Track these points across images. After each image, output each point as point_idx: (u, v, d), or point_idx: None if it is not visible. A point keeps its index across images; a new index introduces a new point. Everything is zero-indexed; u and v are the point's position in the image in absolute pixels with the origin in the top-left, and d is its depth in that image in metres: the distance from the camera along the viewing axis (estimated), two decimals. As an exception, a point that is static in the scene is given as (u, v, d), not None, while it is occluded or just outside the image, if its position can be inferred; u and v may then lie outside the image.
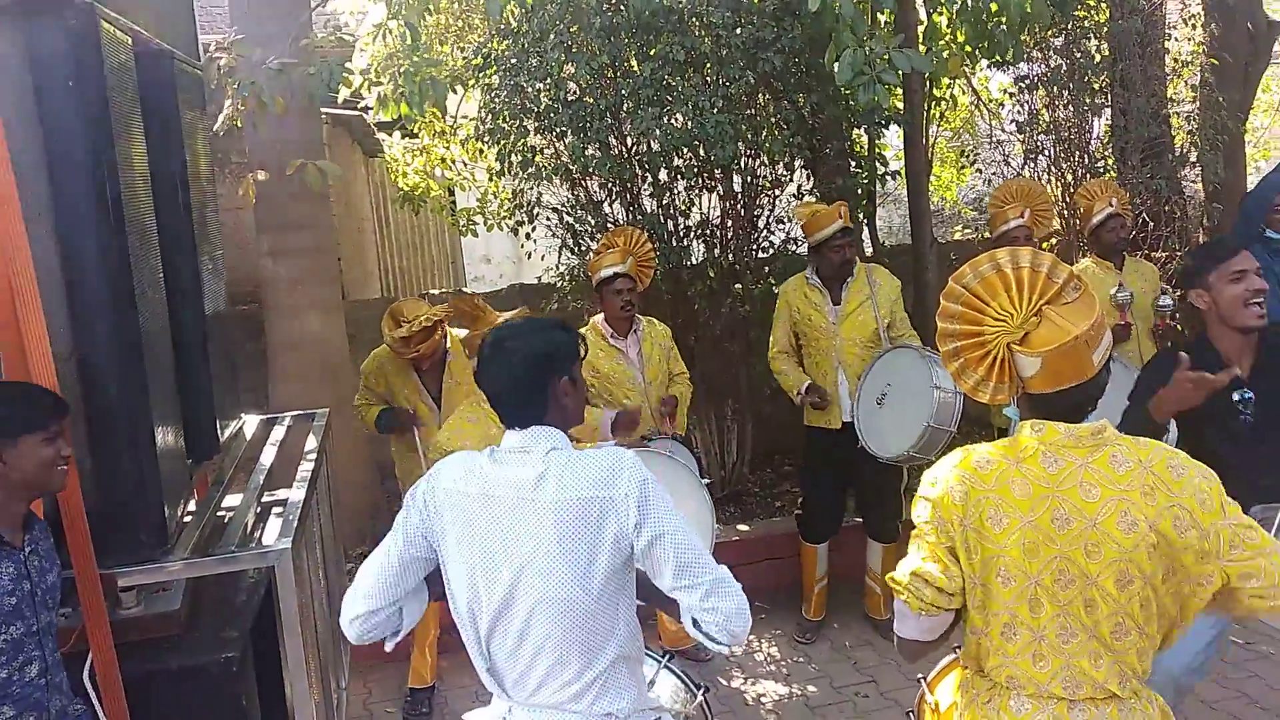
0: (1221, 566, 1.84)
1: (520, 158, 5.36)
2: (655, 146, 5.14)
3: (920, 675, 2.40)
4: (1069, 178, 6.05)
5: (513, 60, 5.27)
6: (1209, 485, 1.88)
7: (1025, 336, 1.86)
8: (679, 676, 2.59)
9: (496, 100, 5.42)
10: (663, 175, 5.41)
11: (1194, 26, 6.51)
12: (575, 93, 5.21)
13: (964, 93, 6.84)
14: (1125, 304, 4.78)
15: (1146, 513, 1.84)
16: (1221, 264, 2.90)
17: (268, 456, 3.37)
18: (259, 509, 3.00)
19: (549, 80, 5.17)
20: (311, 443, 3.56)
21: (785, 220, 5.80)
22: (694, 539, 1.99)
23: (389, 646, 2.16)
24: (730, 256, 5.75)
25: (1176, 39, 6.47)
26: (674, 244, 5.55)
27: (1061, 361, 1.84)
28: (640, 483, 1.98)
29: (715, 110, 5.02)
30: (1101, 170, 6.10)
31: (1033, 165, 6.08)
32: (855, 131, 6.04)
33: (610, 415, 4.26)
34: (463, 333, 4.31)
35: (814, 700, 4.25)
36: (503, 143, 5.43)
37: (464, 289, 7.24)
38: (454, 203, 9.05)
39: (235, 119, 5.22)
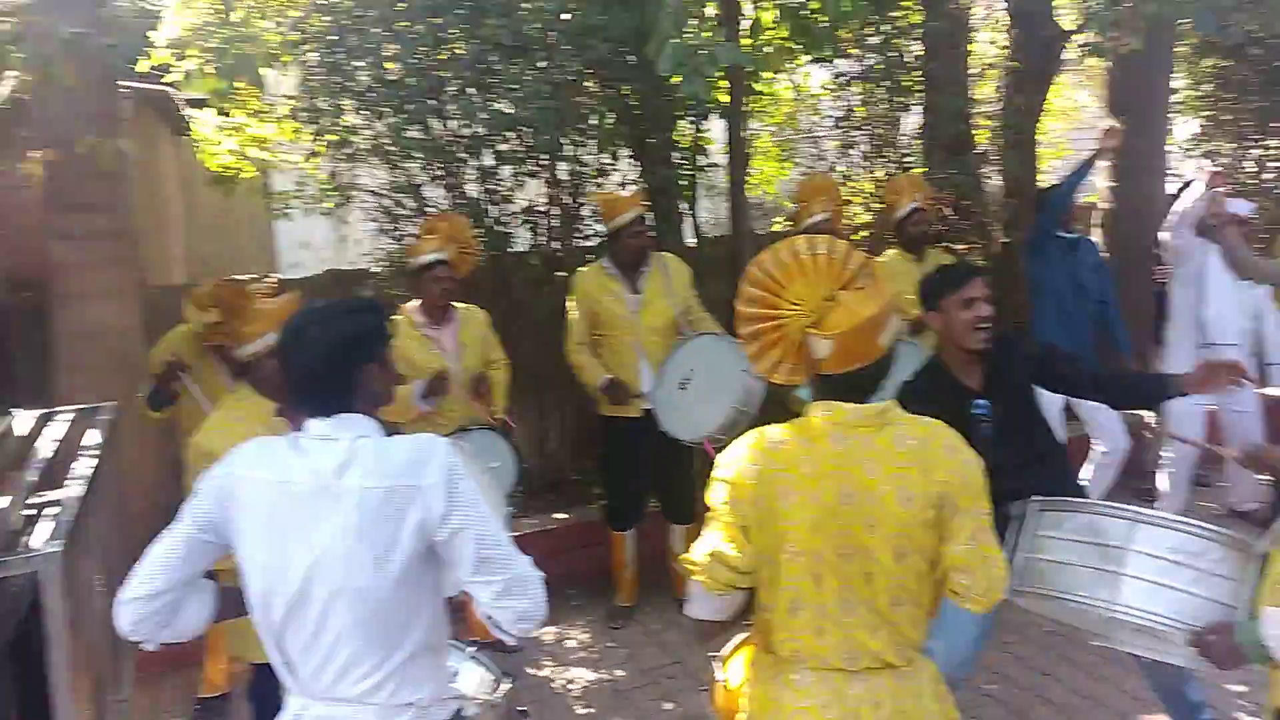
0: (952, 552, 1.96)
1: (336, 138, 5.15)
2: (479, 130, 5.03)
3: (712, 653, 2.45)
4: (880, 172, 6.30)
5: (331, 37, 5.06)
6: (978, 473, 2.01)
7: (820, 320, 1.93)
8: (484, 666, 2.55)
9: (314, 78, 5.20)
10: (489, 160, 5.32)
11: (997, 31, 6.91)
12: (396, 73, 5.05)
13: (785, 88, 7.01)
14: (926, 295, 5.03)
15: (923, 489, 1.94)
16: (955, 290, 3.10)
17: (44, 454, 3.09)
18: (28, 511, 2.75)
19: (369, 59, 4.99)
20: (94, 439, 3.29)
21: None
22: (499, 534, 1.97)
23: (153, 646, 2.04)
24: (554, 244, 5.70)
25: (980, 42, 6.83)
26: (497, 230, 5.46)
27: (852, 343, 1.92)
28: (449, 471, 1.94)
29: (540, 96, 4.96)
30: (910, 166, 6.37)
31: (846, 160, 6.29)
32: (680, 123, 6.10)
33: (420, 385, 4.20)
34: None
35: (622, 684, 4.30)
36: (321, 122, 5.21)
37: (268, 276, 6.92)
38: (267, 186, 8.65)
39: (22, 91, 4.79)
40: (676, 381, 4.49)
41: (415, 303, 4.45)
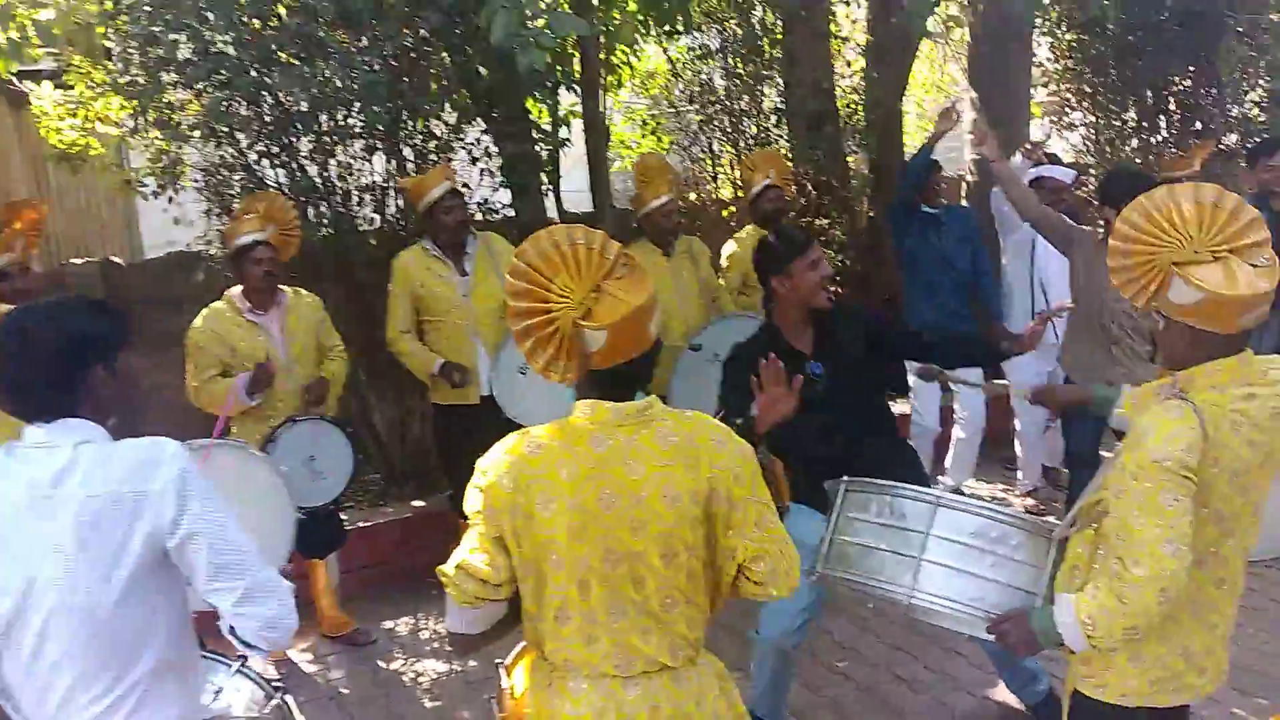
0: (743, 543, 1.90)
1: (155, 114, 4.84)
2: (303, 106, 4.78)
3: (498, 660, 2.35)
4: (739, 146, 6.23)
5: (146, 7, 4.74)
6: (746, 462, 1.93)
7: (589, 312, 1.84)
8: (254, 682, 2.39)
9: (130, 50, 4.87)
10: (331, 136, 5.06)
11: (857, 4, 6.88)
12: (218, 45, 4.75)
13: (659, 63, 6.88)
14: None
15: (689, 486, 1.86)
16: (802, 253, 3.16)
17: None
18: None
19: (186, 30, 4.68)
20: None
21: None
22: (238, 538, 1.83)
23: None
24: (401, 222, 5.49)
25: (840, 15, 6.80)
26: (339, 208, 5.22)
27: (624, 333, 1.84)
28: (180, 475, 1.79)
29: (369, 69, 4.72)
30: (769, 141, 6.32)
31: (708, 134, 6.20)
32: (535, 96, 5.91)
33: (244, 379, 4.01)
34: None
35: (472, 675, 4.18)
36: (141, 98, 4.90)
37: (112, 258, 6.51)
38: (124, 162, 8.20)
39: None
40: (516, 366, 4.35)
41: (239, 288, 4.20)
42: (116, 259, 6.51)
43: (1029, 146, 5.52)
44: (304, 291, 4.40)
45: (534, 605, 1.92)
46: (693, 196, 6.68)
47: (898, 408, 5.85)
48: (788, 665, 3.40)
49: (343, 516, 4.66)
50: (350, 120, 4.99)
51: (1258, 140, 5.81)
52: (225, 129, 4.86)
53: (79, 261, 6.29)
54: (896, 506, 2.57)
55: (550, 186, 6.28)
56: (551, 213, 6.30)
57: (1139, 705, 2.08)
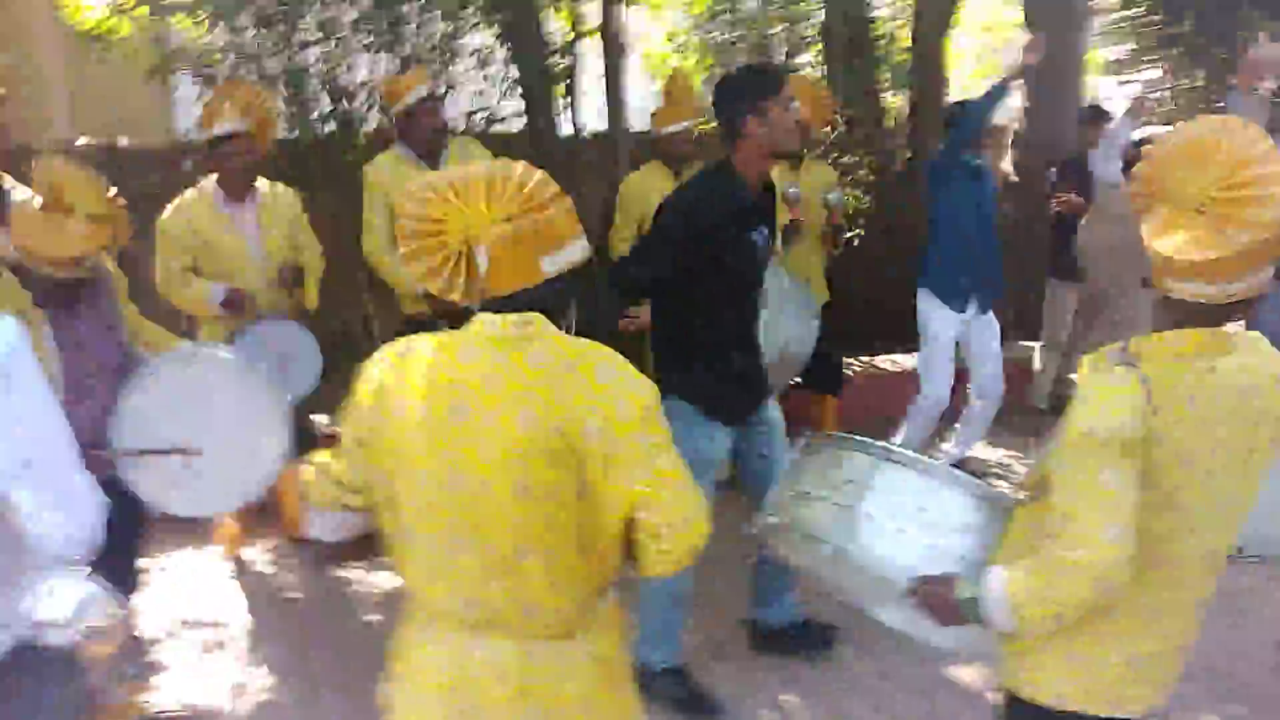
0: (626, 488, 1.66)
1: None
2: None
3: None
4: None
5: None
6: (640, 397, 1.68)
7: (482, 234, 1.67)
8: (102, 589, 2.11)
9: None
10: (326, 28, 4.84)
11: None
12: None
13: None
14: (795, 200, 4.73)
15: (552, 413, 1.63)
16: (778, 90, 2.93)
17: None
18: None
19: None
20: None
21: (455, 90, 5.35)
22: (58, 439, 1.70)
23: None
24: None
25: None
26: (340, 106, 5.03)
27: (502, 259, 1.67)
28: (7, 354, 1.62)
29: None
30: (796, 69, 5.98)
31: (731, 57, 5.88)
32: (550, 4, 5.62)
33: (220, 291, 3.89)
34: None
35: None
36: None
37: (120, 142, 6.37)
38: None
39: None
40: None
41: (214, 177, 4.04)
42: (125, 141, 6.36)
43: (1134, 102, 5.06)
44: (282, 186, 4.23)
45: (391, 523, 1.76)
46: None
47: (910, 362, 5.59)
48: (679, 604, 3.23)
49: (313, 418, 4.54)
50: (348, 12, 4.75)
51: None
52: (223, 14, 4.64)
53: (83, 142, 6.17)
54: (842, 458, 2.37)
55: (570, 101, 6.04)
56: (567, 129, 6.06)
57: (1072, 711, 1.86)
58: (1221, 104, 7.21)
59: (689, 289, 2.97)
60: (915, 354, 5.16)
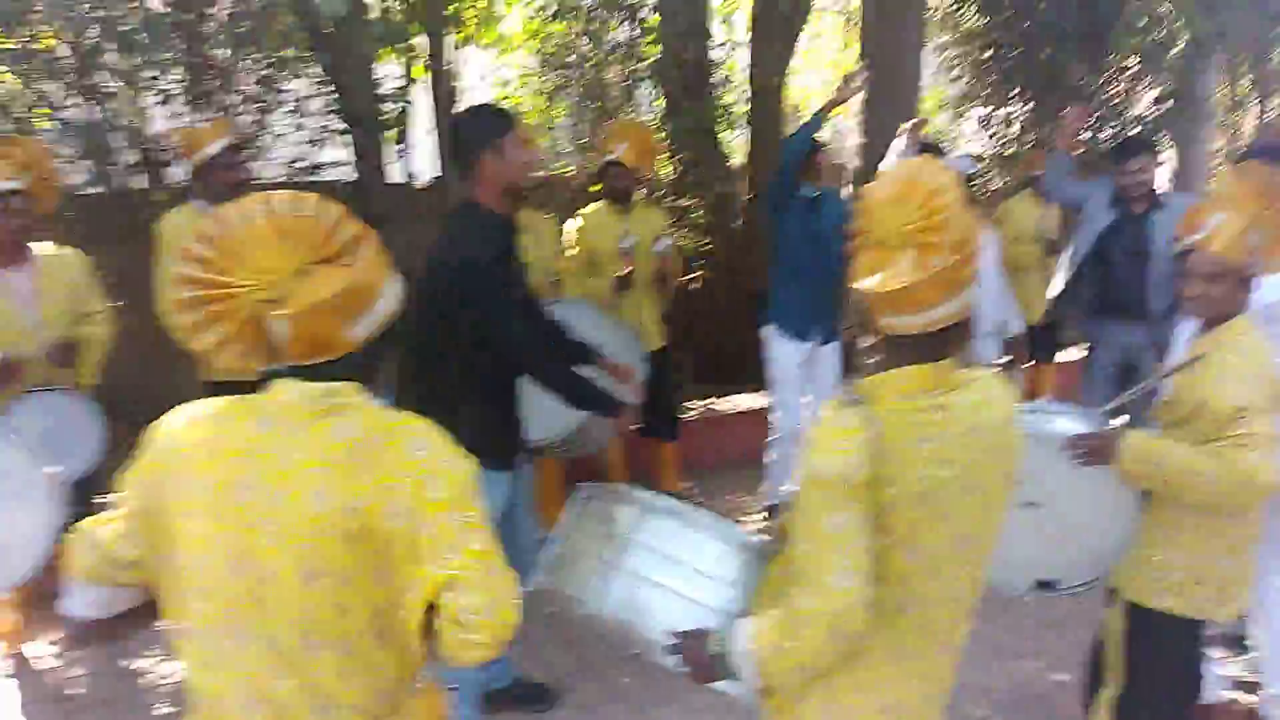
0: (433, 572, 1.49)
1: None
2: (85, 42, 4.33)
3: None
4: (593, 115, 5.86)
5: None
6: (455, 474, 1.54)
7: (282, 296, 1.48)
8: None
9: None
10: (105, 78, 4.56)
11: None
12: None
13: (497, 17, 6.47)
14: (629, 252, 4.64)
15: (349, 491, 1.48)
16: (512, 128, 2.99)
17: None
18: None
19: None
20: None
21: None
22: None
23: None
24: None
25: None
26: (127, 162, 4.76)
27: (306, 328, 1.49)
28: None
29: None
30: (623, 110, 5.96)
31: (563, 100, 5.83)
32: (385, 52, 5.49)
33: None
34: None
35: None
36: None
37: None
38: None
39: None
40: None
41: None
42: None
43: (909, 128, 5.15)
44: (66, 249, 3.95)
45: (169, 606, 1.58)
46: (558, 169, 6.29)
47: (751, 402, 5.54)
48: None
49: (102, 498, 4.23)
50: (142, 65, 4.51)
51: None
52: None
53: None
54: (612, 511, 2.26)
55: (403, 148, 5.90)
56: (400, 176, 5.92)
57: None
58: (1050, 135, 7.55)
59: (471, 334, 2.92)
60: (757, 394, 5.12)
